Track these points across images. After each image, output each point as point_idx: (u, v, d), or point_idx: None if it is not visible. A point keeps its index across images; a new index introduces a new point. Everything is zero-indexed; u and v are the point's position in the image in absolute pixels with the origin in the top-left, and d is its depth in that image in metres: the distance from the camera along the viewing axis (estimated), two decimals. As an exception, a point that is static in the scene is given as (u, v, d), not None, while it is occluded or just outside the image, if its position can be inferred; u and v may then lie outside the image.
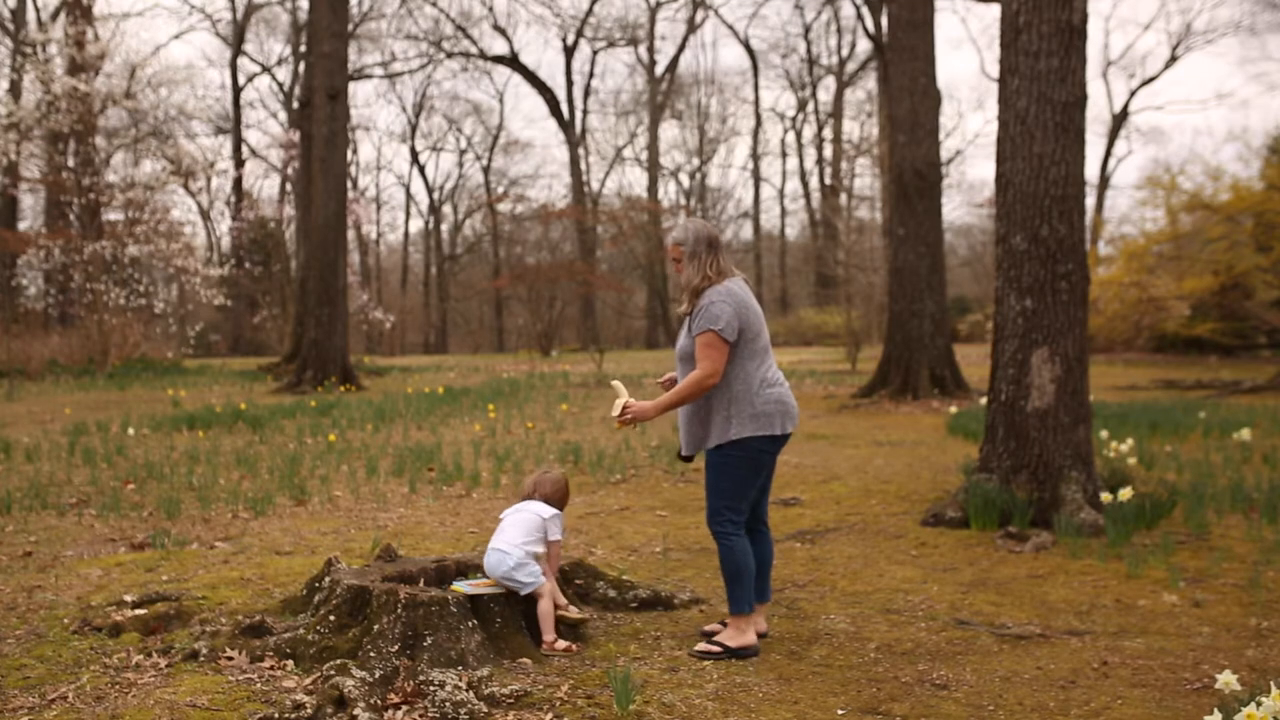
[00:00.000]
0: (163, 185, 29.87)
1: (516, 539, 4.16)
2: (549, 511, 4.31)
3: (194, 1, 56.50)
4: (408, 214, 64.77)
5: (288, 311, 32.27)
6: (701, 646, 4.05)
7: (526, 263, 41.32)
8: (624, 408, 4.16)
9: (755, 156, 53.67)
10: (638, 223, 44.35)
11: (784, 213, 58.73)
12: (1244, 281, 23.42)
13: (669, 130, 57.76)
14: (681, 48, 50.66)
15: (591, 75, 58.64)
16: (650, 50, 50.18)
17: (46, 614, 4.62)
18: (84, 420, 13.51)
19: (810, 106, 52.83)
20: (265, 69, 48.93)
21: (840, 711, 3.50)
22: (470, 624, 3.96)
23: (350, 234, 35.37)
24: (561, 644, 4.06)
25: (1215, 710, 2.93)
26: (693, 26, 50.27)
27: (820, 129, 52.35)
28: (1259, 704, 2.70)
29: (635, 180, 60.63)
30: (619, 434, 11.56)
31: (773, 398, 4.10)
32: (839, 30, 54.54)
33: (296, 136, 31.89)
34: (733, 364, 4.08)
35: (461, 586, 4.18)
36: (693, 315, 4.14)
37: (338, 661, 3.68)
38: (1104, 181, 44.77)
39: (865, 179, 47.60)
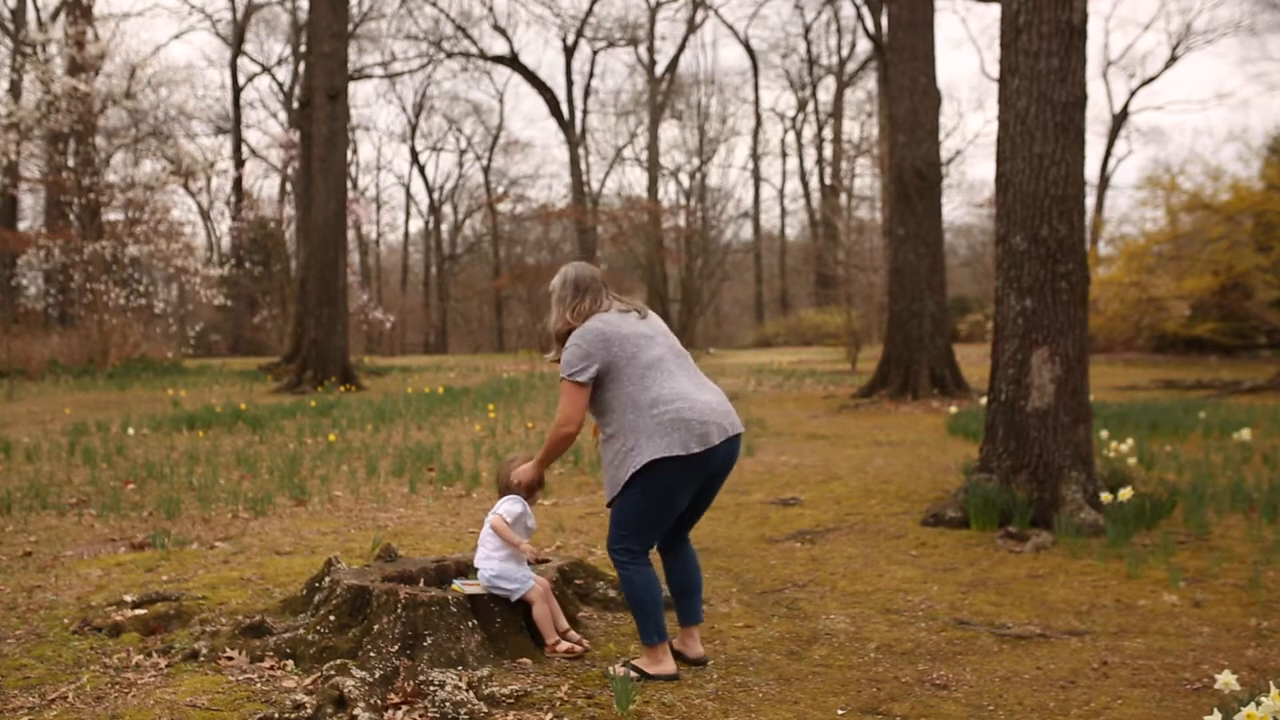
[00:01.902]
0: (163, 185, 29.87)
1: (487, 552, 4.15)
2: (499, 506, 4.22)
3: (194, 1, 56.52)
4: (408, 214, 64.81)
5: (288, 311, 32.28)
6: (616, 669, 3.79)
7: (526, 263, 41.36)
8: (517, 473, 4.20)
9: (755, 156, 53.65)
10: (638, 223, 44.34)
11: (784, 213, 58.73)
12: (1244, 281, 23.40)
13: (669, 130, 57.75)
14: (681, 48, 50.62)
15: (591, 75, 58.61)
16: (650, 50, 50.16)
17: (46, 614, 4.62)
18: (84, 420, 13.51)
19: (810, 106, 52.84)
20: (265, 69, 48.93)
21: (840, 711, 3.50)
22: (470, 624, 3.96)
23: (350, 234, 35.38)
24: (564, 645, 4.05)
25: (1215, 710, 2.93)
26: (693, 26, 50.26)
27: (820, 129, 52.38)
28: (1259, 704, 2.70)
29: (635, 180, 60.59)
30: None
31: (668, 416, 3.73)
32: (839, 30, 54.62)
33: (296, 136, 31.90)
34: (613, 393, 3.82)
35: (460, 586, 4.19)
36: None
37: (338, 661, 3.68)
38: (1104, 181, 44.77)
39: (865, 179, 47.63)
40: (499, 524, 4.12)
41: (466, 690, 3.50)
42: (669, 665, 3.83)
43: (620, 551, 3.86)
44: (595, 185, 52.48)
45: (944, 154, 43.61)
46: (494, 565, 4.10)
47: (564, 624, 4.16)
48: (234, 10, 46.43)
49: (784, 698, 3.62)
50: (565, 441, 3.95)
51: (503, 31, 54.63)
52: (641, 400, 3.78)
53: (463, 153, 61.14)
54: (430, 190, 57.72)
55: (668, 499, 3.80)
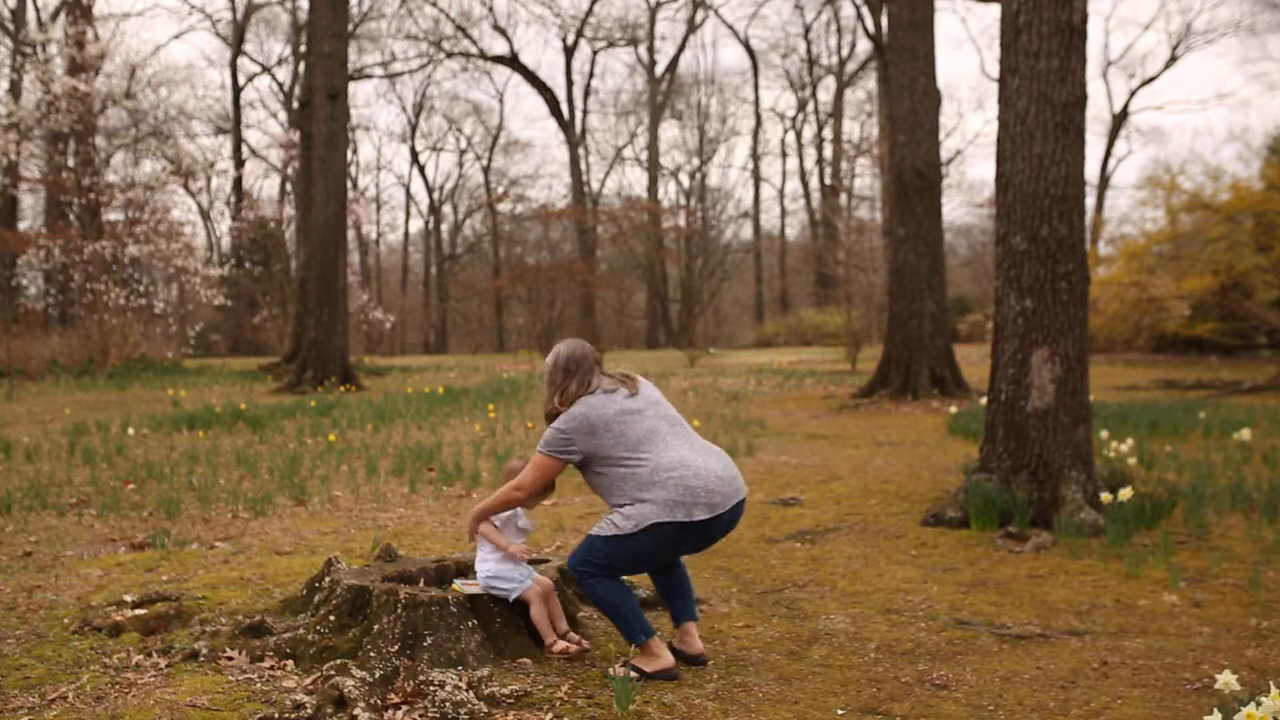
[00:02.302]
0: (163, 185, 29.88)
1: (484, 554, 4.18)
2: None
3: (194, 1, 56.50)
4: (408, 214, 64.84)
5: (288, 311, 32.27)
6: (616, 670, 3.78)
7: (526, 263, 41.37)
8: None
9: (755, 156, 53.70)
10: (638, 223, 44.37)
11: (784, 213, 58.76)
12: (1244, 281, 23.40)
13: (669, 130, 57.85)
14: (681, 48, 50.69)
15: (591, 75, 58.69)
16: (650, 50, 50.20)
17: (46, 614, 4.62)
18: (84, 420, 13.51)
19: (810, 106, 52.86)
20: (265, 69, 48.95)
21: (840, 711, 3.50)
22: (470, 624, 3.96)
23: (350, 234, 35.37)
24: (560, 645, 4.04)
25: (1215, 710, 2.93)
26: (693, 26, 50.29)
27: (820, 129, 52.39)
28: (1259, 704, 2.70)
29: (635, 180, 60.65)
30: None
31: (672, 482, 3.75)
32: (839, 30, 54.65)
33: (296, 136, 31.91)
34: (609, 473, 3.86)
35: (459, 586, 4.20)
36: None
37: (338, 661, 3.68)
38: (1104, 181, 44.79)
39: (865, 179, 47.67)
40: (486, 529, 4.14)
41: (466, 690, 3.50)
42: (666, 659, 3.83)
43: (581, 574, 3.87)
44: (595, 185, 52.55)
45: (944, 154, 43.62)
46: (490, 565, 4.11)
47: (563, 625, 4.16)
48: (234, 10, 46.48)
49: (784, 698, 3.62)
50: (512, 504, 4.05)
51: (503, 31, 54.78)
52: (640, 473, 3.80)
53: (463, 153, 61.16)
54: (430, 190, 57.75)
55: (658, 555, 3.84)
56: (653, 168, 49.47)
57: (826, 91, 53.62)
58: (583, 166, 49.81)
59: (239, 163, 43.43)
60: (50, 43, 28.64)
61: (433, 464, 9.26)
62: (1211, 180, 22.73)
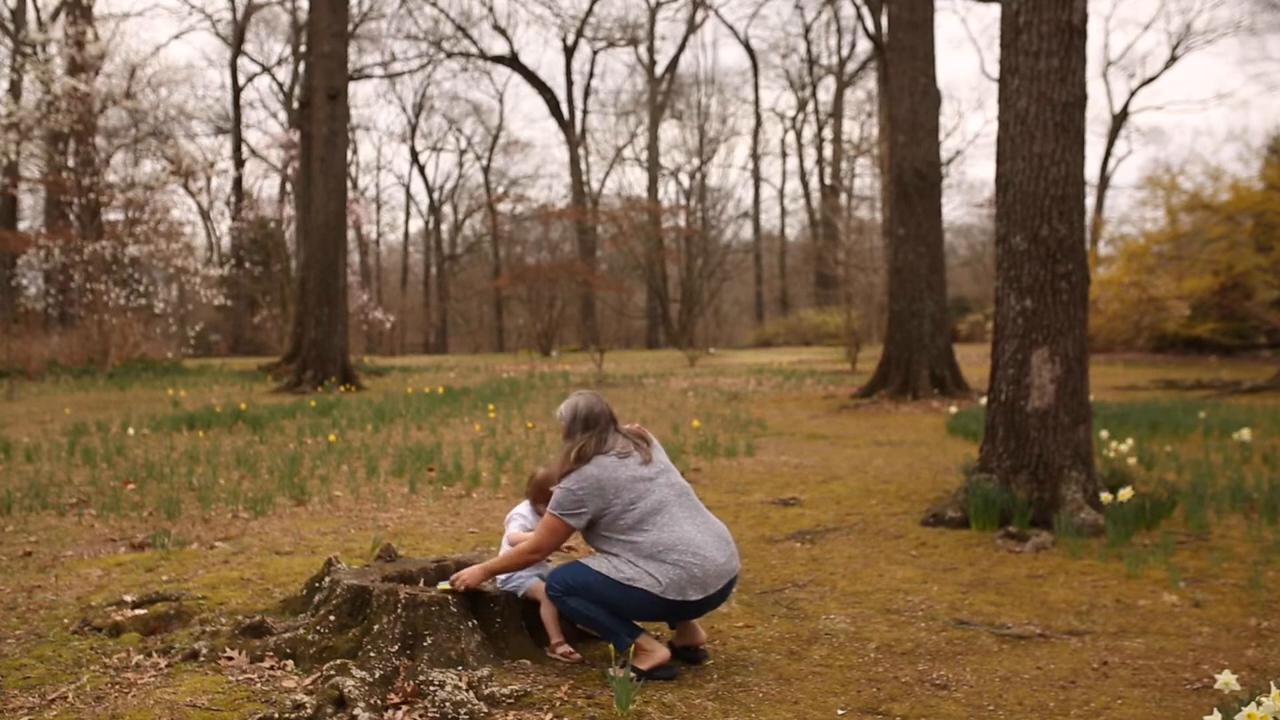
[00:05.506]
0: (163, 185, 29.89)
1: (501, 551, 4.23)
2: (514, 517, 4.36)
3: (194, 1, 56.54)
4: (408, 214, 64.86)
5: (288, 311, 32.29)
6: (615, 670, 3.76)
7: (526, 263, 41.36)
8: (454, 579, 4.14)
9: (755, 156, 53.72)
10: (638, 223, 44.34)
11: (784, 213, 58.77)
12: (1244, 281, 23.38)
13: (669, 130, 57.91)
14: (681, 48, 50.68)
15: (591, 75, 58.73)
16: (650, 50, 50.18)
17: (46, 614, 4.62)
18: (84, 420, 13.51)
19: (810, 106, 52.88)
20: (265, 69, 48.96)
21: (840, 711, 3.50)
22: (470, 624, 3.96)
23: (350, 234, 35.40)
24: (563, 648, 4.03)
25: (1215, 710, 2.93)
26: (693, 26, 50.28)
27: (820, 129, 52.40)
28: (1259, 704, 2.70)
29: (635, 180, 60.63)
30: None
31: (672, 559, 3.77)
32: (839, 30, 54.67)
33: (296, 136, 31.93)
34: (611, 535, 3.87)
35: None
36: None
37: (338, 661, 3.68)
38: (1104, 181, 44.80)
39: (865, 179, 47.71)
40: (519, 546, 4.15)
41: (466, 690, 3.50)
42: (660, 653, 3.84)
43: (558, 593, 3.87)
44: (595, 185, 52.54)
45: (944, 154, 43.63)
46: None
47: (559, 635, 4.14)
48: (234, 10, 46.47)
49: (784, 698, 3.62)
50: (525, 566, 4.06)
51: (503, 31, 54.70)
52: (643, 544, 3.81)
53: (463, 153, 61.25)
54: (430, 190, 57.81)
55: (636, 612, 3.83)
56: (653, 168, 49.47)
57: (826, 91, 53.69)
58: (583, 166, 49.82)
59: (239, 163, 43.45)
60: (50, 43, 28.65)
61: (433, 464, 9.26)
62: (1211, 180, 22.71)
